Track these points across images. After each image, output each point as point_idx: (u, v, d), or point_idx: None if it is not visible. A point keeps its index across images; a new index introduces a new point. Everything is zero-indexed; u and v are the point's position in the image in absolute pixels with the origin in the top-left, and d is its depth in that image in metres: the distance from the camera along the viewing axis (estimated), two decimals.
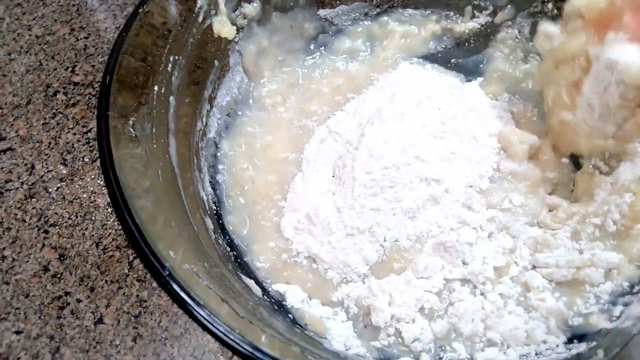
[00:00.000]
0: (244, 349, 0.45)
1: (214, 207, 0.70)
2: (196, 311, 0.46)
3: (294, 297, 0.65)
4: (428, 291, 0.66)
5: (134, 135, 0.54)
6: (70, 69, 0.96)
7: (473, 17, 0.87)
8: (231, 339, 0.45)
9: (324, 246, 0.68)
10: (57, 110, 0.91)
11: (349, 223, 0.68)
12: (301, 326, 0.63)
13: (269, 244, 0.70)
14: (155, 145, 0.57)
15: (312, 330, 0.63)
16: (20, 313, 0.72)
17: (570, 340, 0.62)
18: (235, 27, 0.75)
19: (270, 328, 0.54)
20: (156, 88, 0.60)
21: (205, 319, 0.46)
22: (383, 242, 0.68)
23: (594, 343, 0.59)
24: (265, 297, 0.65)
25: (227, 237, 0.69)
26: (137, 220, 0.48)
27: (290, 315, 0.64)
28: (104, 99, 0.53)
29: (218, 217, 0.70)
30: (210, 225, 0.65)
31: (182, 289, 0.46)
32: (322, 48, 0.87)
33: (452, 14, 0.87)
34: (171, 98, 0.63)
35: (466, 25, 0.87)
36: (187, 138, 0.66)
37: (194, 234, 0.58)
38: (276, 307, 0.64)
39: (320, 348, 0.59)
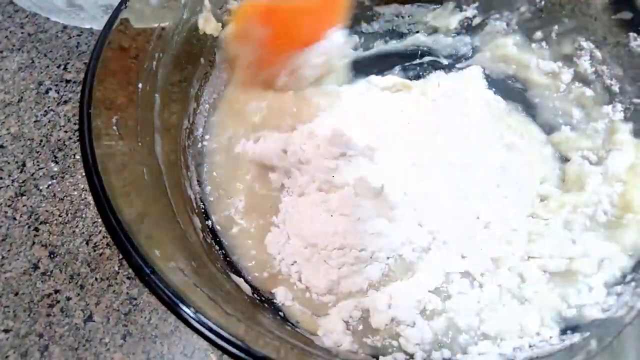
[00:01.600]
0: (232, 346, 0.42)
1: (201, 205, 0.66)
2: (180, 309, 0.43)
3: (284, 296, 0.62)
4: (430, 292, 0.62)
5: (117, 133, 0.51)
6: (62, 67, 0.92)
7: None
8: (217, 337, 0.42)
9: (319, 273, 0.63)
10: (48, 107, 0.87)
11: (351, 253, 0.63)
12: (292, 324, 0.60)
13: (251, 252, 0.65)
14: (140, 144, 0.53)
15: (304, 328, 0.59)
16: (9, 311, 0.68)
17: (563, 332, 0.59)
18: (220, 24, 0.71)
19: (259, 325, 0.51)
20: (141, 85, 0.56)
21: (190, 316, 0.43)
22: (386, 261, 0.63)
23: (587, 333, 0.56)
24: (255, 295, 0.61)
25: (216, 235, 0.65)
26: (121, 219, 0.45)
27: (280, 313, 0.61)
28: (87, 96, 0.50)
29: (206, 216, 0.66)
30: (198, 224, 0.62)
31: (167, 287, 0.44)
32: None
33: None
34: (156, 95, 0.59)
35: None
36: (173, 136, 0.62)
37: (181, 232, 0.54)
38: (266, 305, 0.61)
39: (311, 345, 0.56)
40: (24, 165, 0.81)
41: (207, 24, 0.69)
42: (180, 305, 0.43)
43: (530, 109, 0.78)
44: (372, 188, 0.64)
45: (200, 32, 0.69)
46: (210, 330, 0.43)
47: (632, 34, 0.68)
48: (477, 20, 0.83)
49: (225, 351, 0.43)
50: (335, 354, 0.57)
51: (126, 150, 0.51)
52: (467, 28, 0.84)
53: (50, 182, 0.79)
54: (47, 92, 0.89)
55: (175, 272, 0.47)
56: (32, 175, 0.80)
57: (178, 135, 0.64)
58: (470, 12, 0.83)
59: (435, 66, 0.84)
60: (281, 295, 0.62)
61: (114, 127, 0.51)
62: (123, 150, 0.51)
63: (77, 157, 0.82)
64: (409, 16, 0.84)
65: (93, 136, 0.47)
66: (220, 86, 0.75)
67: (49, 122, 0.86)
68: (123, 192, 0.48)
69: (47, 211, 0.76)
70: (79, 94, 0.86)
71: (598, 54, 0.73)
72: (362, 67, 0.83)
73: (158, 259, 0.45)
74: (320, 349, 0.57)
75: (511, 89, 0.79)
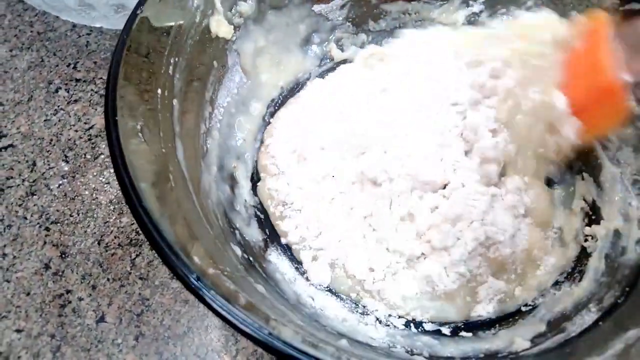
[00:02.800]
0: (278, 347, 0.41)
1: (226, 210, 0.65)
2: (229, 313, 0.41)
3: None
4: None
5: (143, 140, 0.50)
6: (72, 66, 0.92)
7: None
8: (267, 339, 0.40)
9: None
10: (58, 107, 0.87)
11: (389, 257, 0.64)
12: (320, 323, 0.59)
13: (283, 260, 0.67)
14: (164, 150, 0.52)
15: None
16: (21, 311, 0.68)
17: None
18: (232, 27, 0.70)
19: (302, 330, 0.50)
20: (159, 91, 0.55)
21: (239, 321, 0.41)
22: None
23: None
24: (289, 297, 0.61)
25: (245, 241, 0.64)
26: (161, 229, 0.44)
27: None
28: (111, 102, 0.49)
29: (230, 222, 0.65)
30: (227, 230, 0.61)
31: (215, 292, 0.42)
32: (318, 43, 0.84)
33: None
34: (174, 101, 0.58)
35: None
36: (192, 141, 0.62)
37: (211, 238, 0.54)
38: (302, 306, 0.61)
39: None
40: (34, 164, 0.80)
41: (220, 27, 0.68)
42: (229, 309, 0.41)
43: None
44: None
45: (213, 35, 0.68)
46: (256, 330, 0.41)
47: None
48: (484, 16, 0.83)
49: (277, 354, 0.41)
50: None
51: (152, 157, 0.50)
52: (474, 23, 0.83)
53: (60, 182, 0.78)
54: (56, 91, 0.88)
55: (214, 277, 0.45)
56: (42, 174, 0.79)
57: (197, 140, 0.63)
58: (476, 7, 0.82)
59: None
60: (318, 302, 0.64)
61: (139, 134, 0.50)
62: (149, 158, 0.50)
63: (88, 156, 0.81)
64: (415, 13, 0.84)
65: (122, 142, 0.47)
66: (233, 89, 0.75)
67: (59, 121, 0.85)
68: (156, 201, 0.46)
69: (58, 211, 0.76)
70: (89, 93, 0.87)
71: None
72: None
73: (197, 266, 0.44)
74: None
75: None
